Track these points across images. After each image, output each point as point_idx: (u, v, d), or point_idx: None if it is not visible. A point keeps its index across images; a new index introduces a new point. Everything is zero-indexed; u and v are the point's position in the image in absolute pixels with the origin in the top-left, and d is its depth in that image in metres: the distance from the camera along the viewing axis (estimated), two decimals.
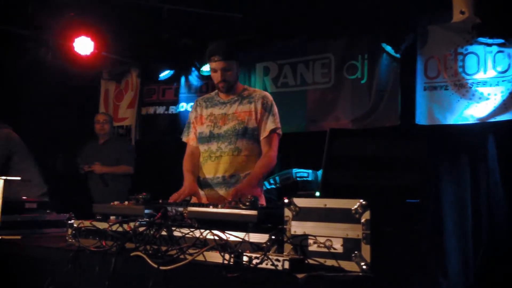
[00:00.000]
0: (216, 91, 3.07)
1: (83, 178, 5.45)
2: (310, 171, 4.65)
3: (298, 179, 4.56)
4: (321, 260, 1.68)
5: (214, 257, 1.76)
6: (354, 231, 1.63)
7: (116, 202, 2.33)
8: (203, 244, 1.83)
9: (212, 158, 2.94)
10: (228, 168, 2.90)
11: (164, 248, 1.90)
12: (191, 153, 3.08)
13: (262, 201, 2.96)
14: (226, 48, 2.88)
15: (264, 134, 2.93)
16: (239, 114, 2.93)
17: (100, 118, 5.50)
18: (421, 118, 4.58)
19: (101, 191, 5.27)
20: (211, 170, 2.94)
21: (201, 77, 5.93)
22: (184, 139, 3.14)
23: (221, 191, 2.90)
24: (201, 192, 2.96)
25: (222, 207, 2.05)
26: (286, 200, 1.79)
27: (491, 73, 4.31)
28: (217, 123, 2.96)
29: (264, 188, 4.28)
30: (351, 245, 1.63)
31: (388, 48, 4.74)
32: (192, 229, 1.92)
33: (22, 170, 3.73)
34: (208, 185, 2.95)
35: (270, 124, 2.93)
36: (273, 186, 4.66)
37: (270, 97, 3.03)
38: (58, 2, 4.63)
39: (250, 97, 2.97)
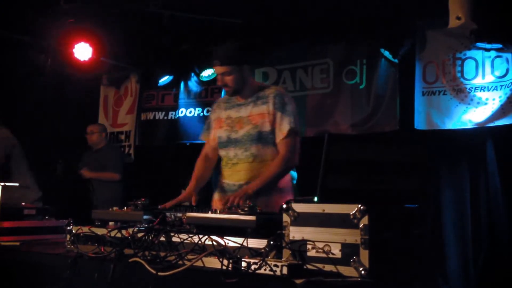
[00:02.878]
0: None
1: (81, 183, 5.61)
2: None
3: None
4: (320, 266, 1.68)
5: (213, 262, 1.76)
6: (353, 236, 1.63)
7: (115, 208, 2.34)
8: (202, 249, 1.83)
9: (229, 165, 2.91)
10: (244, 175, 2.86)
11: (162, 254, 1.91)
12: (205, 155, 3.05)
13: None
14: (225, 52, 2.81)
15: (280, 136, 2.81)
16: (253, 118, 2.85)
17: (88, 129, 5.74)
18: (420, 123, 4.59)
19: (91, 195, 5.51)
20: (229, 176, 2.92)
21: (201, 82, 5.93)
22: (203, 138, 3.10)
23: None
24: (220, 196, 2.94)
25: (220, 213, 2.05)
26: (284, 206, 1.79)
27: (489, 78, 4.31)
28: (234, 127, 2.90)
29: None
30: (349, 250, 1.63)
31: (387, 53, 4.75)
32: (190, 235, 1.92)
33: (18, 175, 3.71)
34: (228, 191, 2.91)
35: (285, 125, 2.79)
36: None
37: (285, 94, 2.90)
38: (57, 8, 4.64)
39: (263, 97, 2.86)
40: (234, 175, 2.90)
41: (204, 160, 3.05)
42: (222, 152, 2.97)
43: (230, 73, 2.80)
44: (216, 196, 3.02)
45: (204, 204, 2.92)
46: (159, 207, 2.43)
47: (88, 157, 5.73)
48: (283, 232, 1.77)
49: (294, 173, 4.44)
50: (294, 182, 4.45)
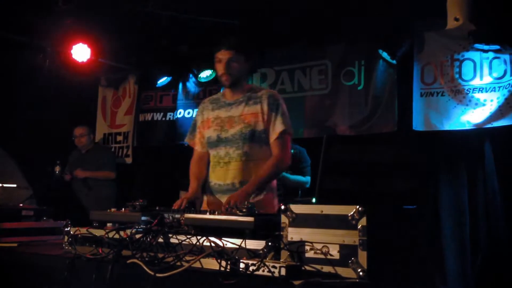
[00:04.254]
0: (222, 91, 3.00)
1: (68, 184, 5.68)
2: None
3: None
4: (318, 267, 1.68)
5: (211, 264, 1.76)
6: (351, 237, 1.63)
7: (113, 209, 2.33)
8: (200, 251, 1.83)
9: (220, 164, 2.87)
10: (237, 174, 2.81)
11: (160, 255, 1.90)
12: (198, 158, 3.01)
13: (272, 206, 2.84)
14: (236, 39, 2.77)
15: (273, 136, 2.81)
16: (246, 117, 2.83)
17: (76, 132, 5.75)
18: (418, 124, 4.59)
19: (86, 195, 5.54)
20: (221, 176, 2.87)
21: (199, 83, 5.93)
22: (188, 141, 3.08)
23: None
24: (210, 198, 2.91)
25: (218, 214, 2.04)
26: (282, 207, 1.79)
27: (487, 79, 4.32)
28: (224, 127, 2.87)
29: None
30: (347, 252, 1.63)
31: (385, 55, 4.75)
32: (188, 236, 1.91)
33: (6, 175, 3.69)
34: (219, 192, 2.88)
35: (279, 125, 2.80)
36: None
37: (278, 96, 2.91)
38: (55, 9, 4.63)
39: (256, 98, 2.85)
40: (226, 174, 2.85)
41: (198, 160, 3.01)
42: (212, 152, 2.93)
43: (237, 59, 2.79)
44: (206, 199, 2.97)
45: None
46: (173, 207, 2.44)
47: (77, 159, 5.75)
48: (281, 233, 1.76)
49: (307, 178, 4.47)
50: (308, 186, 4.47)
